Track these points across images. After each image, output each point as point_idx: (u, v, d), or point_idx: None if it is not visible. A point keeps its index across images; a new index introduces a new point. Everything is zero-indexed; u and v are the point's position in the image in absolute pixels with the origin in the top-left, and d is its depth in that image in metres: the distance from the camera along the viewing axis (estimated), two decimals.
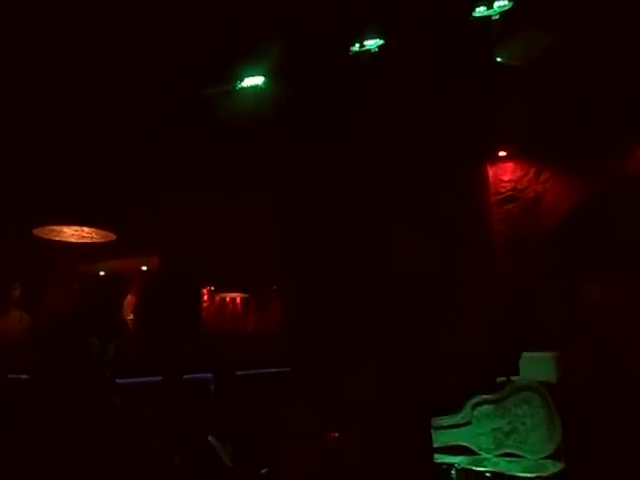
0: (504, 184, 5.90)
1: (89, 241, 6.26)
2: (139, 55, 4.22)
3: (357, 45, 4.10)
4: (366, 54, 4.11)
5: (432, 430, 3.89)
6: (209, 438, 4.16)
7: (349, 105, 4.83)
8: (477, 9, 3.74)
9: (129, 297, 7.46)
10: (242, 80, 4.43)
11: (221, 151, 5.30)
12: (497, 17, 3.72)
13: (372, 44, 4.08)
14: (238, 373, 5.35)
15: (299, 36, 4.06)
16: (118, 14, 3.85)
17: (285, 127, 4.99)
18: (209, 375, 5.23)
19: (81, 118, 4.75)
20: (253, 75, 4.40)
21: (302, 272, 5.93)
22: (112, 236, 6.31)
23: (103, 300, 4.37)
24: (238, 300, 8.11)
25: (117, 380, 4.43)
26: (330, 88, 4.59)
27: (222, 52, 4.28)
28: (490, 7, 3.71)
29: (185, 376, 5.02)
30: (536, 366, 3.94)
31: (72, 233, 6.11)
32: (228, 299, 8.11)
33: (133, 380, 4.73)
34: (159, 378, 4.88)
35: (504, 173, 5.91)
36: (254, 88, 4.43)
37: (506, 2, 3.68)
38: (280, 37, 4.05)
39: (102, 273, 7.26)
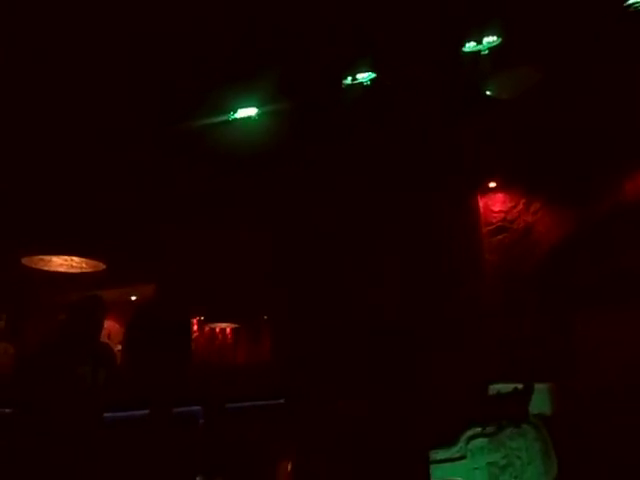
0: (494, 215, 5.95)
1: (78, 271, 6.20)
2: (132, 83, 4.25)
3: (349, 78, 4.17)
4: (358, 87, 4.18)
5: (429, 464, 3.81)
6: (197, 479, 4.04)
7: (341, 136, 4.88)
8: (467, 44, 3.84)
9: (117, 327, 7.35)
10: (235, 111, 4.47)
11: (214, 182, 5.31)
12: (486, 52, 3.81)
13: (364, 77, 4.15)
14: (228, 406, 5.24)
15: (292, 67, 4.12)
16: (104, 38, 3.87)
17: (280, 158, 5.03)
18: (198, 408, 5.11)
19: (74, 147, 4.74)
20: (246, 106, 4.45)
21: (295, 304, 5.88)
22: (102, 266, 6.26)
23: (85, 324, 4.28)
24: (228, 331, 8.01)
25: (104, 414, 4.32)
26: (323, 118, 4.64)
27: (215, 83, 4.32)
28: (479, 43, 3.81)
29: (174, 409, 4.91)
30: (532, 397, 3.90)
31: (61, 262, 6.05)
32: (218, 329, 8.00)
33: (120, 414, 4.61)
34: (146, 412, 4.77)
35: (494, 204, 5.96)
36: (248, 119, 4.47)
37: (495, 38, 3.78)
38: (273, 68, 4.10)
39: None
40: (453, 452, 3.89)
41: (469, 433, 3.91)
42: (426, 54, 4.05)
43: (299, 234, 5.86)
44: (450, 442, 3.91)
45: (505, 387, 3.79)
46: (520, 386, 3.66)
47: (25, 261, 5.95)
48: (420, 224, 5.53)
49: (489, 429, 3.85)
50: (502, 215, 5.91)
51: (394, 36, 3.99)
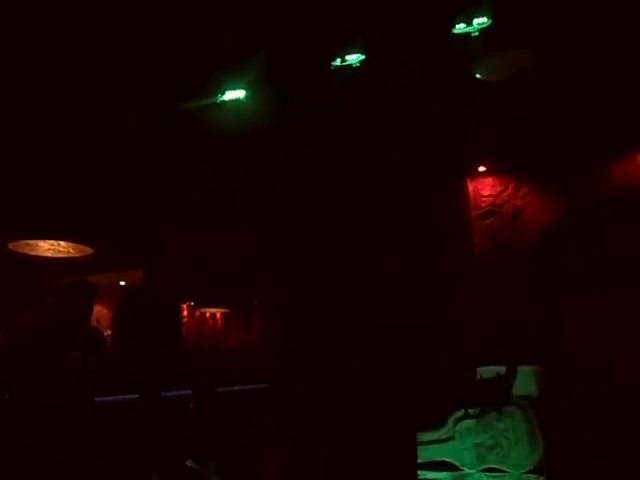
0: (484, 199, 5.97)
1: (65, 256, 6.15)
2: (121, 67, 4.19)
3: (338, 60, 4.13)
4: (347, 69, 4.14)
5: (417, 445, 3.85)
6: (188, 463, 4.05)
7: (329, 120, 4.84)
8: (457, 26, 3.80)
9: (106, 312, 7.31)
10: (223, 93, 4.42)
11: (202, 166, 5.27)
12: (476, 34, 3.78)
13: (353, 59, 4.12)
14: (218, 390, 5.26)
15: (281, 49, 4.07)
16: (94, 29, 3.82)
17: (268, 142, 4.98)
18: (189, 392, 5.13)
19: (60, 132, 4.68)
20: (234, 88, 4.40)
21: (294, 302, 5.87)
22: (89, 250, 6.21)
23: (74, 309, 4.24)
24: (218, 315, 8.01)
25: (95, 398, 4.32)
26: (310, 102, 4.60)
27: (203, 65, 4.27)
28: (469, 24, 3.77)
29: (164, 393, 4.92)
30: (518, 379, 3.94)
31: (48, 247, 5.99)
32: (208, 314, 8.00)
33: (110, 398, 4.61)
34: (137, 396, 4.77)
35: (484, 188, 5.98)
36: (235, 101, 4.42)
37: (485, 20, 3.74)
38: (262, 50, 4.05)
39: None
40: (441, 434, 3.94)
41: (457, 415, 3.96)
42: (417, 38, 4.02)
43: (295, 230, 5.83)
44: (438, 424, 3.95)
45: (489, 370, 3.83)
46: (503, 369, 3.70)
47: (11, 246, 5.89)
48: (419, 221, 5.53)
49: (476, 411, 3.90)
50: (491, 199, 5.93)
51: (384, 18, 3.95)
